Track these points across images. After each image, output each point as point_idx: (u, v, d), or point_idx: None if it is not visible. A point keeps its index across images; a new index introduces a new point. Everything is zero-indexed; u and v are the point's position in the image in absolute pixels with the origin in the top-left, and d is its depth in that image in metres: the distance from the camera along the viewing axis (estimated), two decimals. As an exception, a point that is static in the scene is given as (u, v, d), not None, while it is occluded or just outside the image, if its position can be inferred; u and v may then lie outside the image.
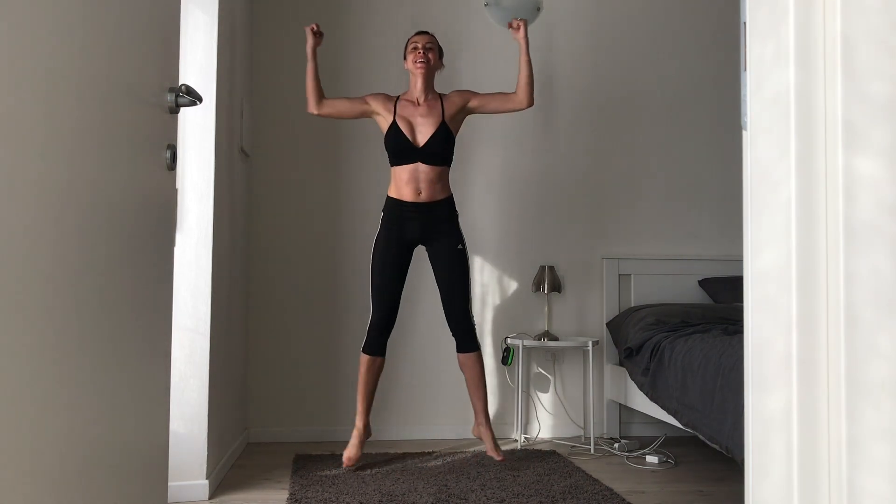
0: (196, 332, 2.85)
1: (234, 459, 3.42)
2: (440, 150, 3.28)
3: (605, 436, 4.01)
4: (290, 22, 4.05)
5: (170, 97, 1.72)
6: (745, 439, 1.41)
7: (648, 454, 3.52)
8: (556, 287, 3.95)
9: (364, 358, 3.30)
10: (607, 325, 4.06)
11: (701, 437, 2.77)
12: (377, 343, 3.28)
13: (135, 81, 1.52)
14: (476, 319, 4.06)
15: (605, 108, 4.24)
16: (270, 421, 3.90)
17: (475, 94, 3.43)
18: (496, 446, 3.35)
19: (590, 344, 3.83)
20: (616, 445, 3.71)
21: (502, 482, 3.00)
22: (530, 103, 3.38)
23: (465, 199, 4.07)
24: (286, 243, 3.98)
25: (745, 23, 1.41)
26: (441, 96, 3.39)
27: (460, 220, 3.42)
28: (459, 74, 4.14)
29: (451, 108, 3.34)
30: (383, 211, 3.35)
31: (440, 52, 3.42)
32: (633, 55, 4.27)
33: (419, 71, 3.31)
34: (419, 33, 3.42)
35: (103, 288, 1.36)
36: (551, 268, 3.98)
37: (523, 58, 3.34)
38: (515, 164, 4.16)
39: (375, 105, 3.35)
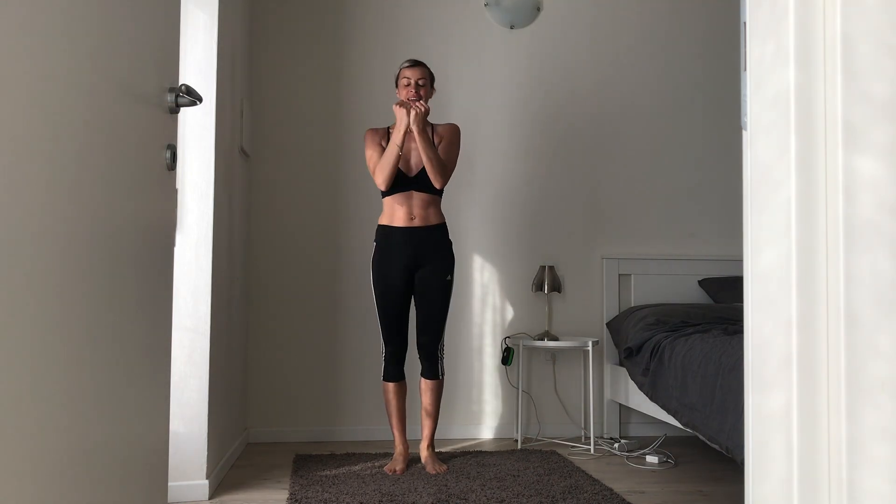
0: (196, 332, 2.85)
1: (234, 459, 3.42)
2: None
3: (605, 436, 4.01)
4: (290, 22, 4.05)
5: (170, 97, 1.72)
6: (745, 439, 1.41)
7: (648, 454, 3.52)
8: (556, 287, 3.95)
9: (386, 385, 3.31)
10: (607, 325, 4.06)
11: (701, 437, 2.77)
12: (396, 371, 3.30)
13: (135, 81, 1.52)
14: (476, 319, 4.07)
15: (605, 108, 4.24)
16: (270, 421, 3.90)
17: (448, 145, 3.32)
18: (434, 463, 3.28)
19: (590, 344, 3.83)
20: (616, 445, 3.71)
21: (502, 482, 3.00)
22: (435, 179, 3.23)
23: (465, 200, 4.07)
24: (286, 243, 3.98)
25: (744, 23, 1.41)
26: (434, 128, 3.35)
27: (456, 239, 3.42)
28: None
29: (439, 140, 3.31)
30: (375, 241, 3.33)
31: (431, 80, 3.36)
32: (632, 55, 4.27)
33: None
34: (411, 66, 3.31)
35: (103, 288, 1.36)
36: (551, 268, 3.98)
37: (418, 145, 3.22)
38: (516, 164, 4.16)
39: (377, 149, 3.29)
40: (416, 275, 3.29)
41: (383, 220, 3.32)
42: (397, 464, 3.24)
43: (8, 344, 1.01)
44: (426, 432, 3.35)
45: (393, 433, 3.35)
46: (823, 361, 1.27)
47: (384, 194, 3.32)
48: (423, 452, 3.34)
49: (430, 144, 3.21)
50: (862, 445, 1.22)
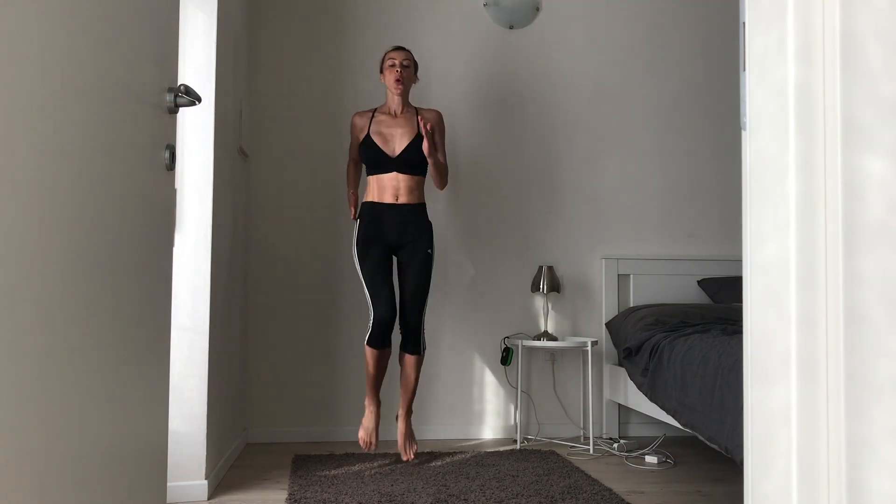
0: (195, 332, 2.85)
1: (233, 459, 3.42)
2: (415, 161, 3.38)
3: (604, 436, 4.01)
4: (290, 22, 4.05)
5: (169, 97, 1.72)
6: (745, 435, 1.41)
7: (647, 454, 3.52)
8: (556, 287, 3.95)
9: (370, 350, 3.35)
10: (606, 325, 4.06)
11: (700, 437, 2.77)
12: (383, 338, 3.33)
13: (133, 82, 1.52)
14: (475, 319, 4.07)
15: (605, 108, 4.24)
16: (269, 421, 3.90)
17: (440, 137, 3.51)
18: (406, 442, 3.40)
19: (589, 344, 3.83)
20: (615, 445, 3.71)
21: (501, 482, 3.00)
22: (440, 187, 3.54)
23: (464, 199, 4.07)
24: (285, 243, 3.98)
25: (744, 23, 1.41)
26: (417, 110, 3.50)
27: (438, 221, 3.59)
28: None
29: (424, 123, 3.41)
30: (359, 218, 3.42)
31: (415, 67, 3.52)
32: (632, 55, 4.27)
33: (396, 89, 3.42)
34: (396, 49, 3.49)
35: (102, 288, 1.36)
36: (550, 268, 3.98)
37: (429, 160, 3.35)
38: (515, 164, 4.16)
39: (358, 133, 3.47)
40: (399, 252, 3.41)
41: (367, 198, 3.44)
42: (370, 434, 3.38)
43: (7, 344, 1.01)
44: (403, 403, 3.44)
45: (367, 393, 3.45)
46: (823, 359, 1.27)
47: (368, 172, 3.43)
48: (400, 424, 3.42)
49: (443, 169, 3.45)
50: (870, 445, 1.22)
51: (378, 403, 3.46)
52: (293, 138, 4.02)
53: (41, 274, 1.11)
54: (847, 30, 1.25)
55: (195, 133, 2.89)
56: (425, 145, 3.25)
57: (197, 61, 2.90)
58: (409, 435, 3.42)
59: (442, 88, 4.09)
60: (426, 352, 3.46)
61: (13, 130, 1.02)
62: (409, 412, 3.45)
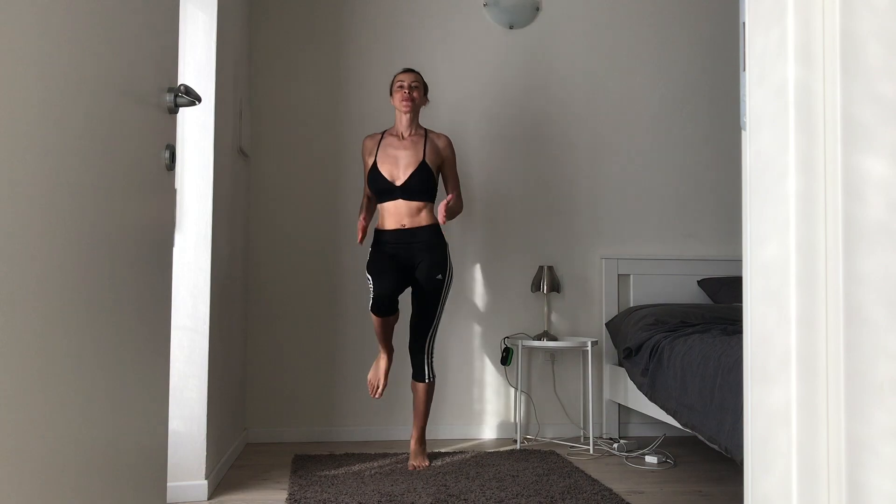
0: (195, 332, 2.85)
1: (233, 459, 3.42)
2: (419, 188, 3.34)
3: (604, 436, 4.01)
4: (290, 22, 4.05)
5: (169, 97, 1.72)
6: (746, 435, 1.41)
7: (647, 454, 3.52)
8: (556, 287, 3.95)
9: (374, 317, 3.30)
10: (606, 325, 4.06)
11: (700, 437, 2.77)
12: (386, 308, 3.24)
13: (134, 81, 1.52)
14: (475, 319, 4.07)
15: (604, 109, 4.24)
16: (269, 421, 3.90)
17: (451, 167, 3.47)
18: (417, 458, 3.34)
19: (589, 344, 3.83)
20: (615, 446, 3.71)
21: (501, 482, 3.00)
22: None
23: (465, 200, 4.07)
24: (285, 243, 3.98)
25: (744, 23, 1.41)
26: (426, 133, 3.45)
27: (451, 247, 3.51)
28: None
29: (432, 150, 3.41)
30: (371, 246, 3.43)
31: (425, 89, 3.49)
32: (631, 55, 4.27)
33: (405, 110, 3.40)
34: (405, 71, 3.47)
35: (102, 288, 1.36)
36: (550, 268, 3.98)
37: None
38: (515, 164, 4.16)
39: (367, 158, 3.43)
40: (414, 274, 3.35)
41: (378, 226, 3.43)
42: (378, 376, 3.41)
43: (7, 344, 1.01)
44: (414, 431, 3.42)
45: (379, 346, 3.43)
46: (823, 359, 1.27)
47: (378, 200, 3.42)
48: (412, 444, 3.40)
49: (456, 210, 3.42)
50: (870, 445, 1.22)
51: (390, 350, 3.42)
52: (293, 138, 4.02)
53: (41, 274, 1.11)
54: (847, 30, 1.25)
55: (195, 133, 2.89)
56: (441, 217, 3.19)
57: (197, 61, 2.90)
58: (421, 453, 3.38)
59: (442, 88, 4.08)
60: (434, 380, 3.41)
61: (13, 130, 1.02)
62: (421, 436, 3.40)
